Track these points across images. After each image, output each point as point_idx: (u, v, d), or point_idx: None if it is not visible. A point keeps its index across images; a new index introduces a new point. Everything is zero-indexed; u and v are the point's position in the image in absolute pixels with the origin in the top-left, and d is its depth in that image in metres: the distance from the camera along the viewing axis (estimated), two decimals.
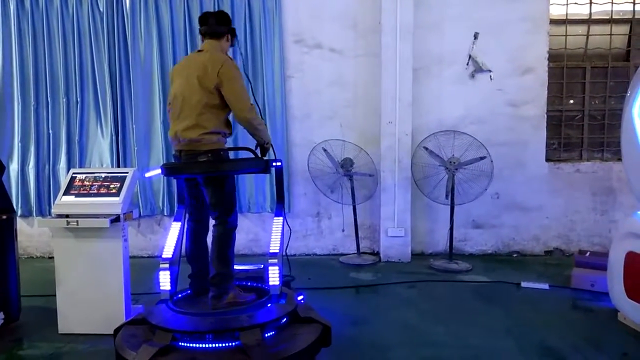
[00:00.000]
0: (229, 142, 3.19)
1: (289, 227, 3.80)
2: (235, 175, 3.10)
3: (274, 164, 3.25)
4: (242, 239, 5.23)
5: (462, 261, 5.02)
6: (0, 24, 5.25)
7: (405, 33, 4.99)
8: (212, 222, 3.05)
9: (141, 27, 5.21)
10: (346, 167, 5.10)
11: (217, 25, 3.07)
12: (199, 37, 5.22)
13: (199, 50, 3.10)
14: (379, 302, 3.95)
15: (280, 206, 3.38)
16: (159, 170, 3.11)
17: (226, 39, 3.10)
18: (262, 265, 3.58)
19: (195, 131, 2.89)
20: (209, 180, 2.96)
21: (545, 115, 5.36)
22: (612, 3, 5.34)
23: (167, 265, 2.96)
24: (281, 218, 3.23)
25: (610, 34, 5.41)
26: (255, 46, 5.23)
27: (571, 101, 5.54)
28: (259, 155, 3.17)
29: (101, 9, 5.21)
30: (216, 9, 5.13)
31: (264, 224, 5.43)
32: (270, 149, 3.23)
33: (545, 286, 4.23)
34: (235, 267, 3.36)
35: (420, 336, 3.25)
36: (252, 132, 3.07)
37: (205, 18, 3.11)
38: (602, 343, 3.11)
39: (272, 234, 3.11)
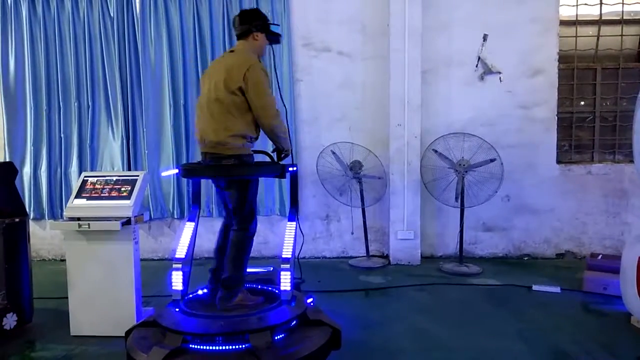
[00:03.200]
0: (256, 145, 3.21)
1: (302, 232, 3.77)
2: (257, 182, 3.06)
3: (290, 169, 3.24)
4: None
5: (472, 264, 4.99)
6: (13, 29, 5.33)
7: (414, 35, 4.99)
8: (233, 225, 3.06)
9: (151, 32, 5.26)
10: (355, 169, 5.10)
11: (240, 25, 3.02)
12: (208, 40, 5.35)
13: (231, 50, 3.08)
14: (389, 305, 3.94)
15: (293, 211, 3.37)
16: (176, 170, 3.14)
17: (253, 37, 3.01)
18: (272, 268, 3.59)
19: (221, 133, 2.86)
20: (230, 184, 2.96)
21: (556, 117, 5.33)
22: (622, 4, 5.30)
23: (179, 266, 2.97)
24: (294, 223, 3.21)
25: (622, 35, 5.37)
26: None
27: (582, 103, 5.49)
28: (276, 159, 3.18)
29: (112, 14, 5.27)
30: (225, 14, 5.20)
31: (273, 227, 5.45)
32: (289, 154, 3.23)
33: (557, 289, 4.19)
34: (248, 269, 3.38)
35: (430, 340, 3.23)
36: (273, 139, 3.03)
37: (234, 19, 3.09)
38: (614, 347, 3.07)
39: (285, 239, 3.09)
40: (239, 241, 2.98)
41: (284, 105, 3.22)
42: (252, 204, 3.03)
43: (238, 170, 2.93)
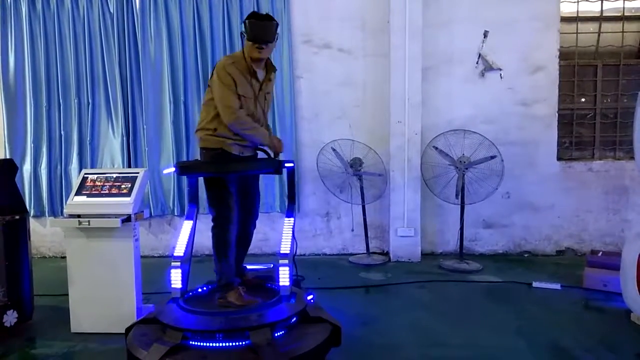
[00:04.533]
0: None
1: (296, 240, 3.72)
2: (216, 178, 3.01)
3: (287, 165, 3.24)
4: (252, 239, 5.24)
5: (472, 261, 4.99)
6: (13, 26, 5.32)
7: (414, 32, 4.98)
8: None
9: (151, 28, 5.25)
10: (355, 166, 5.10)
11: None
12: (208, 36, 5.35)
13: None
14: (389, 302, 3.94)
15: (291, 207, 3.38)
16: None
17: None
18: (272, 265, 3.60)
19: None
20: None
21: (557, 114, 5.32)
22: (623, 0, 5.29)
23: (178, 264, 2.98)
24: (292, 219, 3.22)
25: (622, 31, 5.35)
26: None
27: (583, 99, 5.48)
28: (272, 156, 3.18)
29: (111, 11, 5.26)
30: (225, 11, 5.19)
31: (273, 224, 5.44)
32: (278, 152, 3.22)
33: (557, 286, 4.19)
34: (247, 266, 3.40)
35: (430, 336, 3.24)
36: (241, 135, 3.03)
37: None
38: (614, 344, 3.08)
39: (283, 235, 3.10)
40: (212, 235, 3.05)
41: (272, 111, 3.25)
42: (214, 196, 3.02)
43: (226, 167, 2.98)
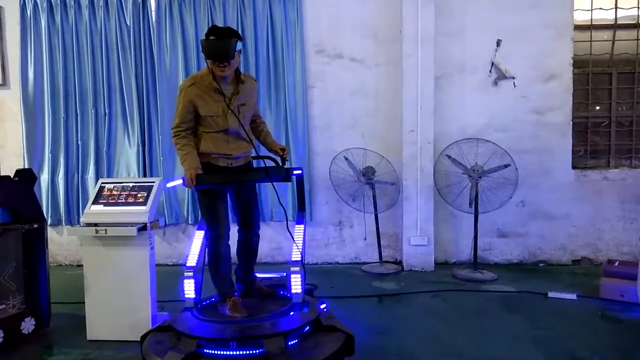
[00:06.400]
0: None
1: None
2: (204, 191, 3.01)
3: (295, 172, 3.26)
4: (265, 248, 5.26)
5: (487, 270, 4.95)
6: (33, 39, 5.44)
7: (427, 41, 4.99)
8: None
9: (167, 40, 5.33)
10: (368, 175, 5.10)
11: None
12: None
13: None
14: (403, 311, 3.92)
15: (301, 214, 3.39)
16: (181, 181, 3.17)
17: None
18: (285, 273, 3.61)
19: None
20: None
21: (571, 122, 5.28)
22: (638, 8, 5.25)
23: (191, 274, 3.00)
24: (302, 226, 3.24)
25: (637, 39, 5.31)
26: (277, 56, 5.30)
27: (597, 107, 5.44)
28: (280, 164, 3.21)
29: (128, 23, 5.36)
30: (239, 21, 5.26)
31: (286, 233, 5.44)
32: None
33: (573, 296, 4.14)
34: (258, 275, 3.41)
35: (444, 346, 3.21)
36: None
37: None
38: (632, 355, 3.03)
39: (294, 242, 3.12)
40: (206, 248, 3.09)
41: (239, 124, 3.07)
42: (207, 209, 3.03)
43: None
